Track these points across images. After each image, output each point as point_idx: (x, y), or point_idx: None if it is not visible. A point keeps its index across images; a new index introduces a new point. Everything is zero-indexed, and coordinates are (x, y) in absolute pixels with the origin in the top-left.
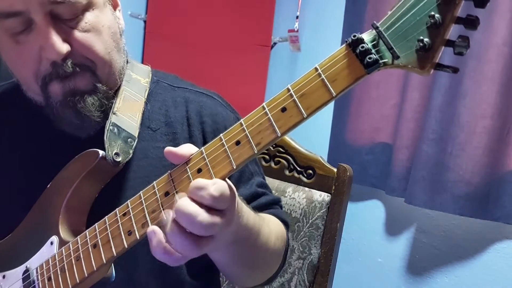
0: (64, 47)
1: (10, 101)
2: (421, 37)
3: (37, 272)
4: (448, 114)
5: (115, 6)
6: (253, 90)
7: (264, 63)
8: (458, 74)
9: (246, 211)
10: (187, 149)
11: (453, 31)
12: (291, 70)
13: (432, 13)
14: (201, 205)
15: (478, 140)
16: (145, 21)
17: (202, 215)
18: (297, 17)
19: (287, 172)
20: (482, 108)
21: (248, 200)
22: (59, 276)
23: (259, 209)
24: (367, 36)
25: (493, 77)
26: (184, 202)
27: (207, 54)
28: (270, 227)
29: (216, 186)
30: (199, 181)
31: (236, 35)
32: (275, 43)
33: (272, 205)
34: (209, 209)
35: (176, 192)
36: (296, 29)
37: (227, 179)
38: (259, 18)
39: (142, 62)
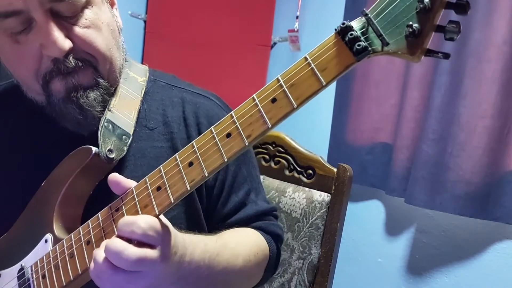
0: (66, 43)
1: (10, 100)
2: (410, 23)
3: (31, 270)
4: (448, 114)
5: (112, 5)
6: (253, 90)
7: (264, 63)
8: (458, 73)
9: (191, 245)
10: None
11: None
12: None
13: None
14: (131, 241)
15: (478, 140)
16: (145, 21)
17: (130, 249)
18: (297, 17)
19: (287, 172)
20: (482, 108)
21: (237, 209)
22: (53, 273)
23: (245, 221)
24: (356, 24)
25: (493, 76)
26: (112, 240)
27: (207, 54)
28: (237, 250)
29: (144, 218)
30: (126, 218)
31: (236, 35)
32: (275, 43)
33: (262, 217)
34: (140, 244)
35: (168, 187)
36: (296, 29)
37: (161, 216)
38: (259, 18)
39: (142, 62)
